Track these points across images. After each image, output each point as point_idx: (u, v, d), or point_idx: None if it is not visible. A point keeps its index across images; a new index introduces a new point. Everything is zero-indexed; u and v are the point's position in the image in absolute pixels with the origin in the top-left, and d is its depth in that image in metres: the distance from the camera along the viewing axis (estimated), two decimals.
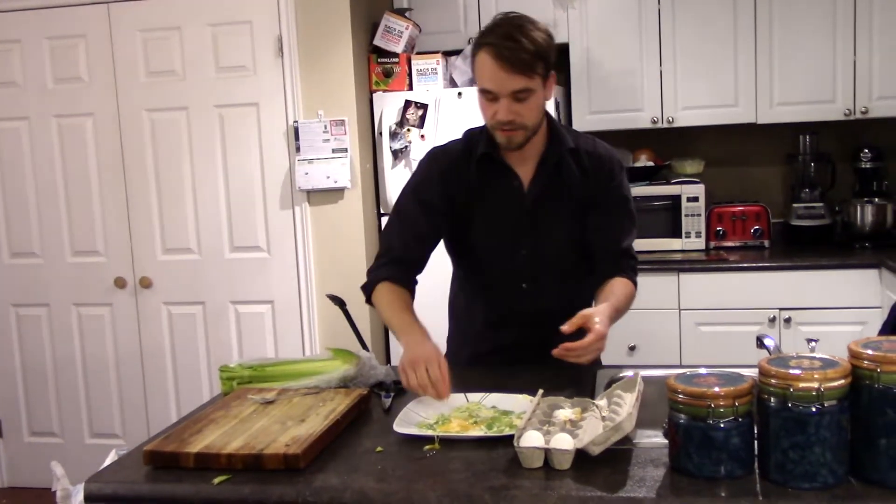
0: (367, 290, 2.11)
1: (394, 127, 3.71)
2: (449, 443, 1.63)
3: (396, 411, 1.80)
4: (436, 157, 2.14)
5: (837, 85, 3.76)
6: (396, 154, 3.72)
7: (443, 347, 2.26)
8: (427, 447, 1.62)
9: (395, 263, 2.09)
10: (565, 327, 1.81)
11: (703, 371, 1.49)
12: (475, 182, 2.08)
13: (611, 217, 2.10)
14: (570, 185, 2.07)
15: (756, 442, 1.42)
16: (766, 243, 3.94)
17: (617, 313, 1.97)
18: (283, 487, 1.48)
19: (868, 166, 3.87)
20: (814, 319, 3.56)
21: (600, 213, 2.09)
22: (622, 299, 2.01)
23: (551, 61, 1.96)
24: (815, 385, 1.33)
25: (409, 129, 3.69)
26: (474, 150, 2.08)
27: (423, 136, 3.68)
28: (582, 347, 1.78)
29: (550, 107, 3.62)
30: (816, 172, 4.00)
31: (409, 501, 1.43)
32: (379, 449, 1.63)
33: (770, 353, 1.77)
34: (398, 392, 1.97)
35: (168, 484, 1.54)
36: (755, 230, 3.93)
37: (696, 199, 3.88)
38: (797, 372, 1.35)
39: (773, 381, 1.37)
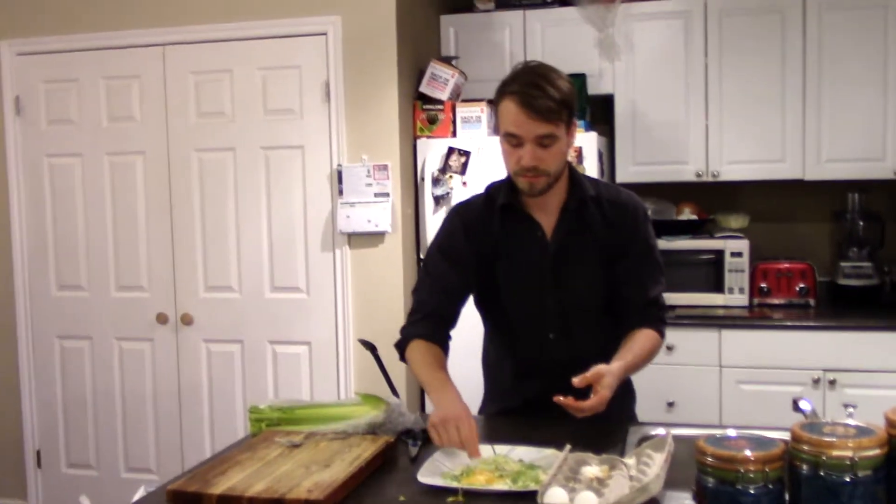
0: (401, 347, 2.12)
1: (436, 173, 3.73)
2: (473, 495, 1.61)
3: (423, 460, 1.79)
4: (459, 212, 2.16)
5: (888, 143, 3.70)
6: (438, 200, 3.74)
7: (478, 402, 2.26)
8: (451, 499, 1.60)
9: (427, 320, 2.09)
10: (577, 380, 1.82)
11: (733, 433, 1.45)
12: (499, 233, 2.09)
13: (637, 267, 2.09)
14: (593, 233, 2.07)
15: None
16: (812, 302, 3.86)
17: (630, 370, 1.98)
18: None
19: None
20: (860, 382, 3.46)
21: (626, 263, 2.08)
22: (640, 355, 2.01)
23: (574, 110, 1.98)
24: (849, 454, 1.29)
25: (451, 176, 3.71)
26: (496, 201, 2.09)
27: (465, 183, 3.69)
28: (579, 409, 1.81)
29: (593, 157, 3.62)
30: (865, 231, 3.91)
31: None
32: (402, 498, 1.62)
33: (806, 417, 1.72)
34: (426, 440, 1.96)
35: None
36: (800, 288, 3.85)
37: (739, 254, 3.82)
38: (830, 439, 1.31)
39: (805, 447, 1.33)
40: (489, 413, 2.22)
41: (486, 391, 2.27)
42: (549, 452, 1.78)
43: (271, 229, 3.85)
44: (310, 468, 1.70)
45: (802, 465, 1.33)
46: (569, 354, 2.06)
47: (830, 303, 3.93)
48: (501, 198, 2.08)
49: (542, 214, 2.08)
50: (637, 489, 1.44)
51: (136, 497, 1.75)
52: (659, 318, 2.10)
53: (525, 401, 2.13)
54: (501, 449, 1.82)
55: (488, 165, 3.64)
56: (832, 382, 3.50)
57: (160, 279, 3.98)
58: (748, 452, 1.36)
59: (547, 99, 1.90)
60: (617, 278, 2.08)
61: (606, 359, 1.94)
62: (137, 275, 4.01)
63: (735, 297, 3.83)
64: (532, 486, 1.60)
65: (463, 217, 2.13)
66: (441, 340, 2.09)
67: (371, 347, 2.21)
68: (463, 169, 3.70)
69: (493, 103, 2.03)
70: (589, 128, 3.72)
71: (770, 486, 1.35)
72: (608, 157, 4.03)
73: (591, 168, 3.61)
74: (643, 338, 2.04)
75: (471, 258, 2.10)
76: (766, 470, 1.35)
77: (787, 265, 3.90)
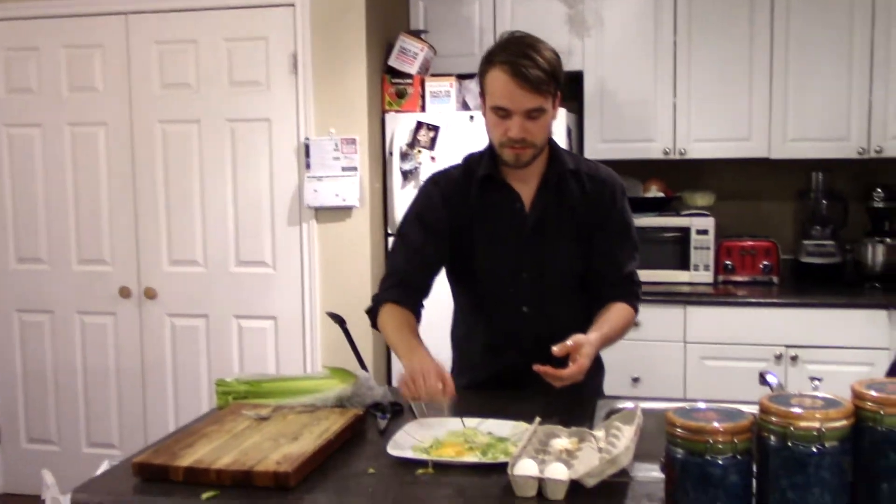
0: (373, 312, 2.10)
1: (404, 148, 3.71)
2: (442, 467, 1.61)
3: (392, 433, 1.78)
4: (437, 181, 2.14)
5: (852, 123, 3.74)
6: (406, 175, 3.71)
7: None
8: (420, 471, 1.59)
9: (400, 286, 2.08)
10: (556, 349, 1.84)
11: (702, 406, 1.47)
12: (477, 204, 2.07)
13: (613, 243, 2.10)
14: (571, 206, 2.07)
15: (754, 480, 1.39)
16: (775, 279, 3.90)
17: (607, 342, 1.99)
18: None
19: (881, 206, 3.83)
20: (821, 358, 3.51)
21: (602, 238, 2.09)
22: (616, 327, 2.02)
23: (561, 81, 1.96)
24: (817, 425, 1.30)
25: (419, 151, 3.69)
26: (475, 172, 2.08)
27: (433, 158, 3.67)
28: (558, 377, 1.82)
29: (562, 133, 3.61)
30: (828, 210, 3.96)
31: None
32: (371, 470, 1.61)
33: (772, 390, 1.74)
34: (394, 413, 1.96)
35: (156, 497, 1.52)
36: (764, 265, 3.89)
37: (705, 231, 3.85)
38: (798, 410, 1.32)
39: (773, 418, 1.34)
40: (458, 387, 2.21)
41: (455, 364, 2.26)
42: (518, 425, 1.78)
43: (237, 202, 3.80)
44: (278, 441, 1.69)
45: (770, 436, 1.34)
46: (541, 329, 2.06)
47: (793, 280, 3.98)
48: (482, 168, 2.06)
49: (521, 186, 2.06)
50: (607, 461, 1.45)
51: (100, 471, 1.73)
52: (633, 293, 2.11)
53: (494, 374, 2.13)
54: (471, 422, 1.82)
55: (457, 140, 3.62)
56: (794, 358, 3.55)
57: (123, 252, 3.92)
58: (717, 424, 1.37)
59: (538, 70, 1.87)
60: (592, 253, 2.09)
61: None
62: (99, 248, 3.94)
63: (700, 274, 3.86)
64: (502, 459, 1.60)
65: (441, 186, 2.11)
66: (413, 306, 2.08)
67: (340, 320, 2.19)
68: (432, 144, 3.68)
69: (479, 73, 1.99)
70: None
71: (739, 458, 1.36)
72: (577, 133, 4.03)
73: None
74: (618, 311, 2.05)
75: (447, 229, 2.08)
76: (735, 441, 1.36)
77: (751, 243, 3.93)
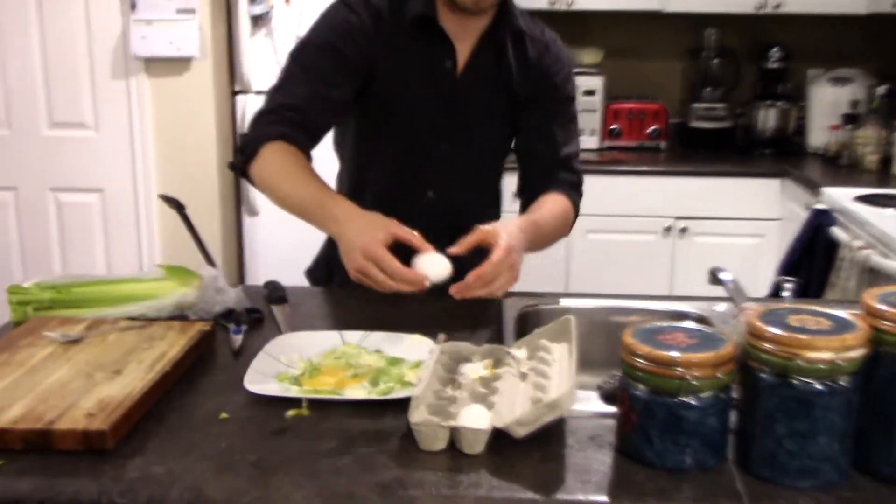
0: (247, 155, 1.58)
1: None
2: (321, 406, 1.21)
3: (250, 355, 1.36)
4: (352, 8, 1.64)
5: None
6: (256, 20, 3.25)
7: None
8: (291, 413, 1.20)
9: (292, 124, 1.58)
10: (454, 248, 1.45)
11: (662, 322, 1.13)
12: (400, 50, 1.63)
13: (551, 119, 1.73)
14: (509, 75, 1.69)
15: (732, 416, 1.08)
16: (663, 145, 3.69)
17: (537, 229, 1.59)
18: (79, 482, 1.04)
19: (775, 66, 3.64)
20: (711, 230, 3.39)
21: (538, 112, 1.72)
22: (547, 215, 1.65)
23: None
24: (831, 356, 0.98)
25: None
26: (403, 8, 1.62)
27: (287, 1, 3.19)
28: (488, 272, 1.40)
29: None
30: (720, 70, 3.74)
31: None
32: (224, 415, 1.20)
33: (728, 291, 1.43)
34: (252, 324, 1.53)
35: None
36: (652, 130, 3.65)
37: (592, 92, 3.54)
38: (804, 336, 0.99)
39: (767, 346, 1.01)
40: (340, 277, 1.80)
41: (327, 251, 1.84)
42: (414, 340, 1.40)
43: (45, 49, 3.26)
44: (92, 376, 1.24)
45: (764, 367, 1.02)
46: (444, 220, 1.68)
47: (682, 146, 3.81)
48: (415, 5, 1.61)
49: (456, 40, 1.65)
50: (544, 405, 1.09)
51: None
52: (571, 183, 1.77)
53: None
54: (352, 336, 1.43)
55: None
56: (683, 230, 3.36)
57: None
58: (692, 353, 1.03)
59: None
60: (525, 130, 1.73)
61: None
62: None
63: (586, 138, 3.58)
64: (398, 392, 1.23)
65: (361, 17, 1.63)
66: (306, 148, 1.59)
67: (177, 206, 1.72)
68: None
69: None
70: None
71: (720, 396, 1.04)
72: None
73: None
74: (552, 201, 1.69)
75: (360, 69, 1.62)
76: (718, 375, 1.03)
77: (639, 106, 3.69)
